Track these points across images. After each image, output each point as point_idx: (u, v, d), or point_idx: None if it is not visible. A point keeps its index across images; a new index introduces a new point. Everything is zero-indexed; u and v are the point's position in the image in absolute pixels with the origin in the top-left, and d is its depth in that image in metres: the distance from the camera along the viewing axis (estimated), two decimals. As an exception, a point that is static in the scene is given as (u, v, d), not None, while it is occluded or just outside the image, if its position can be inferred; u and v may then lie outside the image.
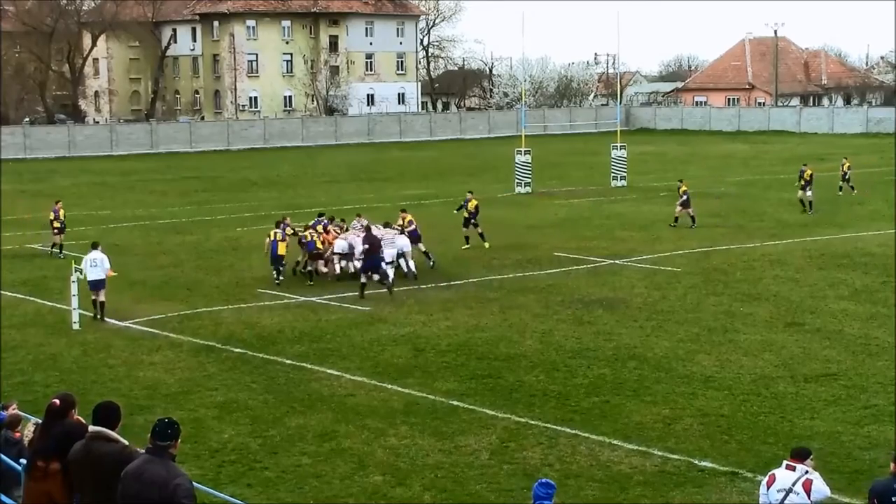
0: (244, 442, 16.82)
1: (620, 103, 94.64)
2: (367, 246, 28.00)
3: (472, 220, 35.18)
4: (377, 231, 29.77)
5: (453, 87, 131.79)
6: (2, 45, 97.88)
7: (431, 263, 31.18)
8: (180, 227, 42.10)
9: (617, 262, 32.53)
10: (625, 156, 56.19)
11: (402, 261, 30.06)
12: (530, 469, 15.35)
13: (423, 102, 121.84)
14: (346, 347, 22.68)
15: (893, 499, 10.33)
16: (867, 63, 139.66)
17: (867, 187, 51.02)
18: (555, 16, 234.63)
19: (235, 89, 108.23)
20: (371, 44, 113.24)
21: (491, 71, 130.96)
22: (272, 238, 29.46)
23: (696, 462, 15.70)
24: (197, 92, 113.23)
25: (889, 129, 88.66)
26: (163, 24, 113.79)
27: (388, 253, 29.39)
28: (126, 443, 9.02)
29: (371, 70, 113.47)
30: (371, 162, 73.25)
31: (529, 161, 53.33)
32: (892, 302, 26.03)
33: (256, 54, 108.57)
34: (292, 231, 30.25)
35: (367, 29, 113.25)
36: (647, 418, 17.68)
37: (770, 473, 11.25)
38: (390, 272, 29.35)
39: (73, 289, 24.61)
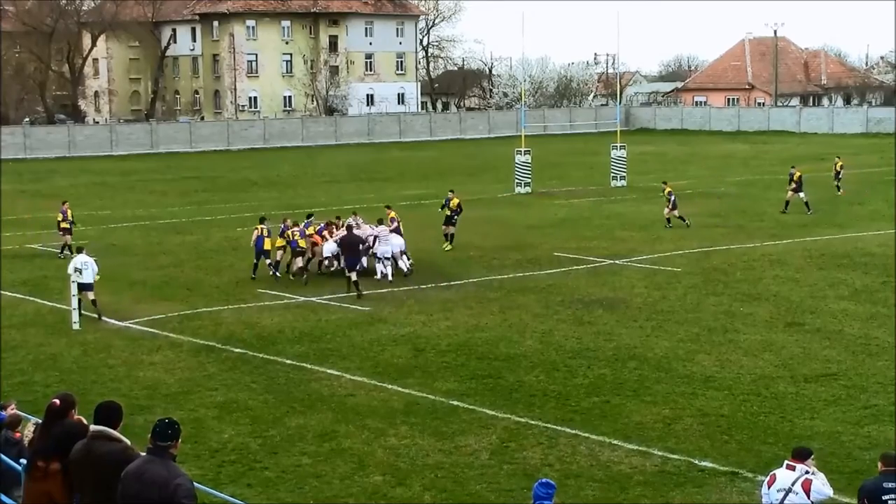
0: (244, 442, 16.83)
1: (620, 103, 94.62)
2: (343, 246, 28.68)
3: (454, 219, 35.21)
4: (371, 230, 30.52)
5: (453, 87, 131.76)
6: (2, 45, 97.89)
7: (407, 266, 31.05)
8: (180, 227, 42.10)
9: (617, 262, 32.53)
10: (625, 156, 56.21)
11: (397, 259, 30.50)
12: (530, 469, 15.35)
13: (422, 102, 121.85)
14: (346, 347, 22.69)
15: (884, 497, 10.36)
16: (867, 63, 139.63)
17: (867, 187, 51.09)
18: (555, 16, 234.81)
19: (235, 89, 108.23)
20: (371, 44, 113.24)
21: (491, 71, 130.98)
22: (259, 233, 30.20)
23: (696, 462, 15.71)
24: (197, 92, 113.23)
25: (889, 129, 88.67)
26: (163, 24, 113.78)
27: (382, 250, 29.99)
28: (128, 443, 9.02)
29: (371, 70, 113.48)
30: (371, 162, 73.25)
31: (529, 161, 53.34)
32: (892, 302, 26.03)
33: (256, 54, 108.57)
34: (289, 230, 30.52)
35: (366, 29, 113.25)
36: (647, 418, 17.68)
37: (771, 473, 11.28)
38: (388, 270, 29.75)
39: (73, 289, 24.61)
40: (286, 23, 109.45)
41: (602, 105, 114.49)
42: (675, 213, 39.60)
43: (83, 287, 25.32)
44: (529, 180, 53.13)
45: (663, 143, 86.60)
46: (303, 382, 20.12)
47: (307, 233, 30.71)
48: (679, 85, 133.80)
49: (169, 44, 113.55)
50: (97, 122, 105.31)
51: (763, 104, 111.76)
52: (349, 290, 27.95)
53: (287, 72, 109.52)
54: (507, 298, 27.43)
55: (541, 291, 28.21)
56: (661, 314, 25.31)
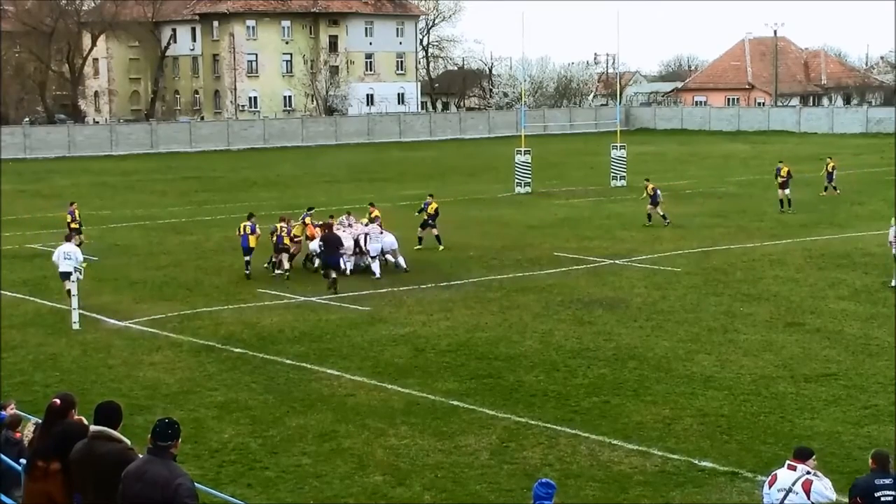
0: (244, 442, 16.82)
1: (620, 103, 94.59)
2: (323, 243, 29.05)
3: (431, 223, 35.21)
4: (364, 228, 31.17)
5: (453, 87, 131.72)
6: (2, 45, 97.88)
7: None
8: (180, 227, 42.10)
9: (617, 262, 32.53)
10: (625, 156, 56.21)
11: (388, 257, 31.10)
12: (530, 469, 15.35)
13: (422, 102, 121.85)
14: (346, 347, 22.69)
15: (877, 494, 10.36)
16: (867, 63, 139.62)
17: (867, 187, 51.07)
18: (555, 16, 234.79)
19: (235, 89, 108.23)
20: (371, 44, 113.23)
21: (491, 71, 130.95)
22: (242, 231, 30.51)
23: (696, 462, 15.70)
24: (197, 92, 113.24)
25: (889, 129, 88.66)
26: (163, 24, 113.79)
27: (373, 248, 30.63)
28: (128, 443, 9.02)
29: (371, 70, 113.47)
30: (371, 162, 73.25)
31: (529, 161, 53.33)
32: (892, 302, 26.02)
33: (256, 54, 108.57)
34: (287, 230, 30.82)
35: (366, 29, 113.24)
36: (647, 418, 17.68)
37: (772, 473, 11.28)
38: (376, 266, 30.41)
39: (74, 289, 24.61)
40: (286, 23, 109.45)
41: (602, 105, 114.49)
42: (658, 210, 39.79)
43: (66, 276, 25.62)
44: (529, 180, 53.12)
45: (663, 143, 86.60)
46: (303, 382, 20.12)
47: (306, 223, 31.32)
48: (679, 85, 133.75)
49: (169, 44, 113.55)
50: (97, 122, 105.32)
51: (763, 104, 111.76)
52: (328, 289, 28.16)
53: (287, 72, 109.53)
54: (507, 298, 27.43)
55: (541, 291, 28.20)
56: (661, 314, 25.31)
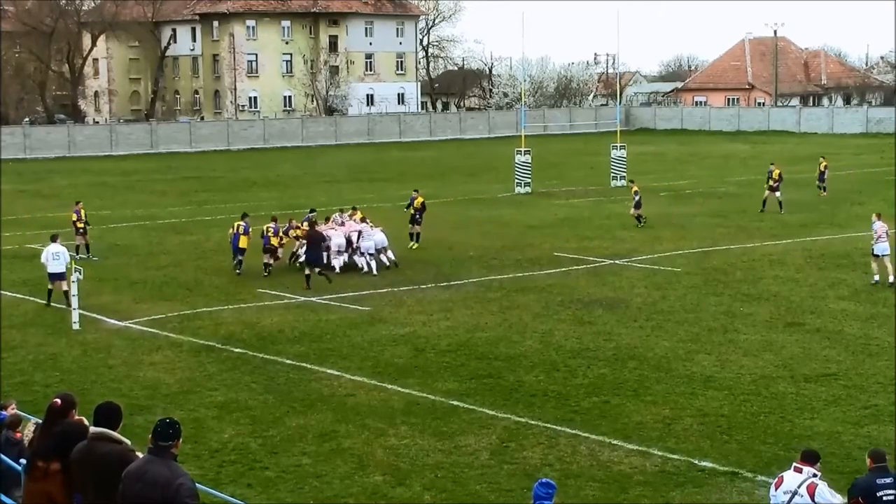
0: (244, 442, 16.83)
1: (620, 103, 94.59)
2: (307, 241, 29.66)
3: (418, 217, 35.36)
4: (356, 225, 31.66)
5: (453, 87, 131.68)
6: (2, 45, 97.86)
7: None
8: (180, 227, 42.10)
9: (617, 262, 32.53)
10: (625, 156, 56.21)
11: (382, 257, 31.41)
12: (530, 469, 15.36)
13: (422, 102, 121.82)
14: (346, 347, 22.69)
15: (878, 494, 10.34)
16: (867, 63, 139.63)
17: (867, 187, 51.06)
18: (555, 16, 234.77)
19: (235, 89, 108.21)
20: (371, 44, 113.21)
21: (491, 71, 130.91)
22: (234, 231, 30.95)
23: (696, 462, 15.71)
24: (197, 92, 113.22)
25: (889, 129, 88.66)
26: (163, 24, 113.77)
27: (366, 246, 31.19)
28: (129, 444, 9.02)
29: (371, 70, 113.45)
30: (371, 162, 73.24)
31: (529, 161, 53.33)
32: (892, 302, 26.04)
33: (256, 54, 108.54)
34: (285, 229, 31.22)
35: (366, 29, 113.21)
36: (647, 418, 17.69)
37: (779, 475, 11.27)
38: (372, 264, 30.81)
39: (73, 289, 24.61)
40: (286, 23, 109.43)
41: (602, 105, 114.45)
42: (639, 211, 39.91)
43: (56, 276, 25.68)
44: (529, 180, 53.12)
45: (663, 143, 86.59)
46: (303, 382, 20.13)
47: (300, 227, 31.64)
48: (679, 85, 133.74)
49: (169, 44, 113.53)
50: (97, 122, 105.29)
51: (763, 104, 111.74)
52: (305, 288, 28.56)
53: (287, 72, 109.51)
54: (507, 298, 27.43)
55: (541, 291, 28.21)
56: (661, 314, 25.32)
